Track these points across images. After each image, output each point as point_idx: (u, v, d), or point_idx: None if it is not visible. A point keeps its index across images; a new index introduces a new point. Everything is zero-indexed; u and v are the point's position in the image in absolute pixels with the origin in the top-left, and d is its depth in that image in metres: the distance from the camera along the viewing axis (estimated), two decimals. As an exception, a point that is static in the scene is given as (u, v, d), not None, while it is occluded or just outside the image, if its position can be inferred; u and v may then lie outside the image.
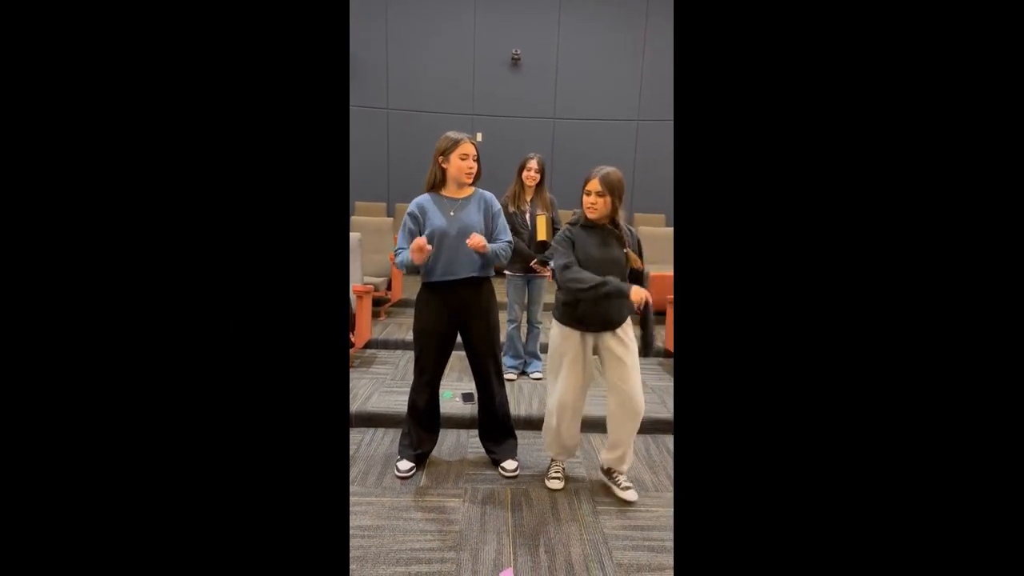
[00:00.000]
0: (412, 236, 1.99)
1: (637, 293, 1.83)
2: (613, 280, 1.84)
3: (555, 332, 2.03)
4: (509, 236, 2.11)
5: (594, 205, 1.89)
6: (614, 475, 2.11)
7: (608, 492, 2.11)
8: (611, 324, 1.96)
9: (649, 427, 2.52)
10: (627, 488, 2.07)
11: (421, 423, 2.20)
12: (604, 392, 2.15)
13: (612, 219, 1.94)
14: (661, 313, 4.06)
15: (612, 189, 1.87)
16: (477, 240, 1.92)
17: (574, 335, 1.98)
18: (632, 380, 1.96)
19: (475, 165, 2.01)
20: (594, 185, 1.87)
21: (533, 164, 2.91)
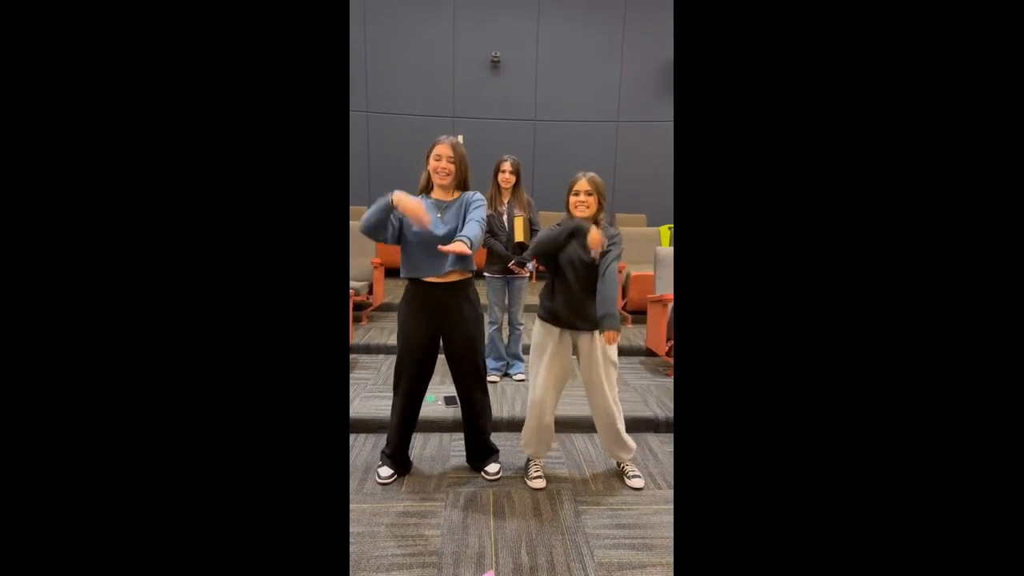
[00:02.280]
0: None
1: (593, 236, 1.90)
2: (573, 224, 1.98)
3: (536, 329, 2.14)
4: (477, 219, 1.97)
5: (584, 203, 2.01)
6: (621, 466, 2.27)
7: (589, 491, 2.12)
8: (585, 321, 2.02)
9: (629, 426, 2.53)
10: (633, 477, 2.21)
11: (398, 432, 2.19)
12: (584, 392, 2.17)
13: (595, 220, 2.04)
14: (642, 312, 4.10)
15: (598, 189, 2.02)
16: (452, 246, 1.85)
17: (552, 331, 2.08)
18: (604, 383, 2.08)
19: (448, 167, 1.98)
20: (583, 185, 2.01)
21: (507, 166, 2.92)
